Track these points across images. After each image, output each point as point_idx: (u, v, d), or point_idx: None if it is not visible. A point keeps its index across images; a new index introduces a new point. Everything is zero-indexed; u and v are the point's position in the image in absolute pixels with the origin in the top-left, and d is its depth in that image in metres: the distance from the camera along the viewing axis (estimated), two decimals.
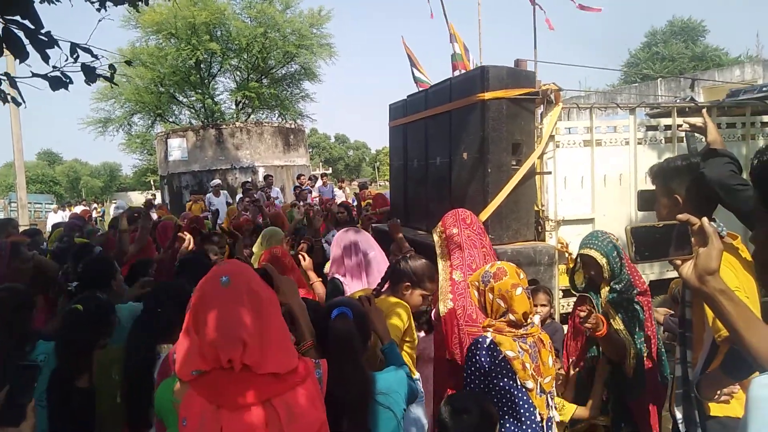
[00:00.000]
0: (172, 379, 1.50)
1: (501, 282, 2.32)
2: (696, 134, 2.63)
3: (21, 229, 9.24)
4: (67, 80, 2.31)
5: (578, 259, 2.99)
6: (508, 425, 2.20)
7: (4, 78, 2.23)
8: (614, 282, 2.82)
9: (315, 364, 1.57)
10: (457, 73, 8.35)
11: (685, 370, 1.85)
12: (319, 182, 13.27)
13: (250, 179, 14.67)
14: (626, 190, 4.95)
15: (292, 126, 18.40)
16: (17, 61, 2.15)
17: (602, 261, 2.83)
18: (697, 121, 2.50)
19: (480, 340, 2.34)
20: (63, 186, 53.22)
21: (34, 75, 2.25)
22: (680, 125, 4.64)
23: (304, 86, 23.85)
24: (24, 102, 2.28)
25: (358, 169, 70.15)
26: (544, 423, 2.25)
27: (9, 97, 2.23)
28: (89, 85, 2.42)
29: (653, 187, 2.33)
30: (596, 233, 2.98)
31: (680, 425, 1.88)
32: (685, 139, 3.60)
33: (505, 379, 2.23)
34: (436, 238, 3.05)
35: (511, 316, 2.28)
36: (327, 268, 3.74)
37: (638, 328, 2.79)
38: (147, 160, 29.14)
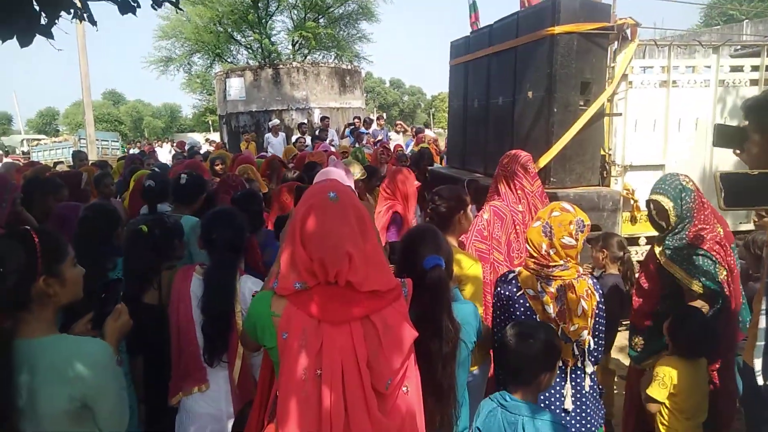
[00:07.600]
0: (267, 293, 1.52)
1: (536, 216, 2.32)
2: None
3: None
4: (135, 4, 2.32)
5: (649, 206, 2.87)
6: None
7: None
8: (668, 237, 2.73)
9: (401, 282, 1.59)
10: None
11: None
12: (375, 125, 13.19)
13: (305, 120, 14.69)
14: (702, 135, 4.63)
15: (349, 67, 18.11)
16: None
17: (668, 205, 2.72)
18: None
19: (506, 273, 2.36)
20: (127, 125, 55.26)
21: None
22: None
23: (361, 27, 23.38)
24: (96, 24, 2.32)
25: (412, 115, 69.00)
26: (568, 369, 2.21)
27: (85, 15, 2.26)
28: (155, 9, 2.43)
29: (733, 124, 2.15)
30: (666, 177, 2.84)
31: (758, 377, 1.80)
32: None
33: (523, 317, 2.21)
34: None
35: (547, 250, 2.21)
36: None
37: (704, 277, 2.67)
38: (206, 100, 29.75)
